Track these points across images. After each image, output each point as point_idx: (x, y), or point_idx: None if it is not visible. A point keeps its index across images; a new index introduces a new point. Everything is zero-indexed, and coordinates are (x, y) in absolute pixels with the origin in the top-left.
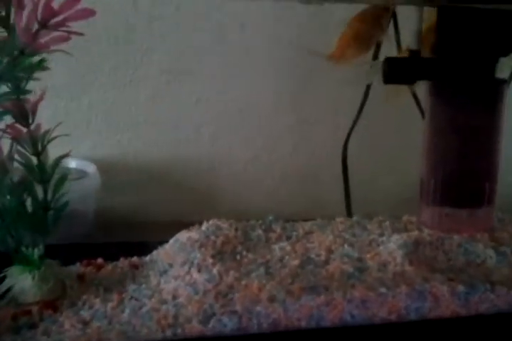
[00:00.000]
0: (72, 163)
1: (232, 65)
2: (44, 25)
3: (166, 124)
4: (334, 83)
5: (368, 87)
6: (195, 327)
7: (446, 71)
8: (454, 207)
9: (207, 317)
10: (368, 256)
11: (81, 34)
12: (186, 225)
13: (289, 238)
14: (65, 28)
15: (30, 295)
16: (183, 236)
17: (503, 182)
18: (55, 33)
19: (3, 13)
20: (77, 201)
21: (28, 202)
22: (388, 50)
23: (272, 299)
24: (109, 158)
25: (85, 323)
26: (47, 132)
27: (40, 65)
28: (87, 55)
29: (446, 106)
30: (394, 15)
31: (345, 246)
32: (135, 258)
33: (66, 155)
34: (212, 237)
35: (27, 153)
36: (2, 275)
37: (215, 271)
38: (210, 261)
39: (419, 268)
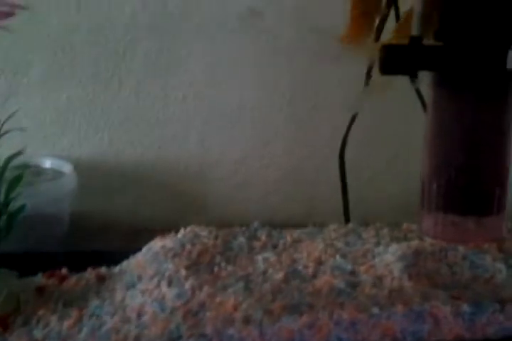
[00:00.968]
0: (46, 163)
1: (222, 59)
2: None
3: (151, 122)
4: (330, 80)
5: (369, 73)
6: None
7: (451, 60)
8: (459, 214)
9: (171, 340)
10: (362, 268)
11: (22, 8)
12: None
13: (274, 247)
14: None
15: None
16: (156, 244)
17: None
18: None
19: None
20: (51, 204)
21: None
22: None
23: (247, 320)
24: (87, 157)
25: None
26: None
27: None
28: (65, 47)
29: (452, 101)
30: None
31: (337, 256)
32: (103, 269)
33: (19, 154)
34: (188, 246)
35: None
36: None
37: (187, 285)
38: (183, 273)
39: (419, 283)
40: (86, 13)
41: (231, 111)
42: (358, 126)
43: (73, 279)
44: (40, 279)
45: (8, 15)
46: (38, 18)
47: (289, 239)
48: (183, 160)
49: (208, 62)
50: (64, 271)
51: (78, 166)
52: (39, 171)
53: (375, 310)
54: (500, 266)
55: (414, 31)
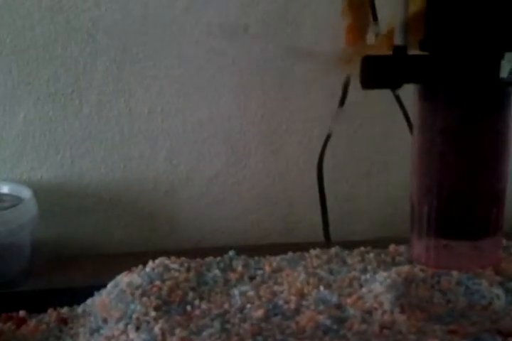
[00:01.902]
0: (4, 188)
1: (191, 70)
2: None
3: (115, 140)
4: (306, 91)
5: (344, 94)
6: None
7: (439, 71)
8: (453, 238)
9: None
10: (349, 301)
11: None
12: (139, 258)
13: (252, 278)
14: None
15: None
16: (122, 280)
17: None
18: None
19: None
20: (10, 233)
21: None
22: None
23: None
24: (48, 181)
25: None
26: None
27: None
28: (20, 62)
29: (441, 114)
30: None
31: (321, 288)
32: (65, 310)
33: None
34: (158, 282)
35: None
36: None
37: (156, 329)
38: (153, 314)
39: (412, 316)
40: (41, 29)
41: (201, 125)
42: (334, 137)
43: (32, 322)
44: None
45: None
46: None
47: (267, 268)
48: (151, 179)
49: (176, 73)
50: (22, 313)
51: (39, 189)
52: None
53: None
54: (498, 291)
55: (399, 41)
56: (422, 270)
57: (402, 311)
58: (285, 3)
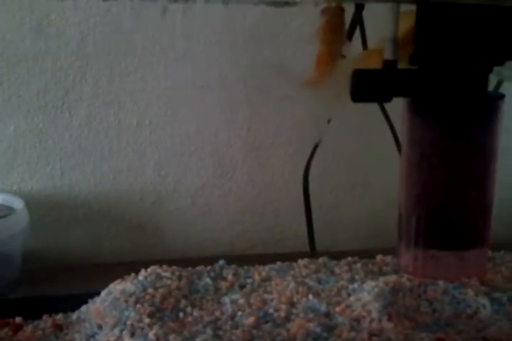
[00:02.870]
0: None
1: (179, 83)
2: None
3: (104, 152)
4: (291, 105)
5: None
6: None
7: (429, 85)
8: (440, 248)
9: None
10: (338, 309)
11: None
12: (128, 267)
13: (242, 287)
14: None
15: None
16: (116, 288)
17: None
18: None
19: None
20: (2, 243)
21: None
22: None
23: None
24: (39, 192)
25: None
26: None
27: None
28: (10, 75)
29: (430, 127)
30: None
31: (310, 296)
32: (60, 316)
33: None
34: (151, 290)
35: None
36: None
37: (151, 335)
38: (147, 321)
39: (400, 324)
40: (31, 42)
41: (188, 138)
42: (322, 150)
43: (29, 329)
44: None
45: None
46: None
47: (257, 277)
48: (139, 190)
49: (164, 86)
50: (18, 319)
51: (29, 200)
52: None
53: None
54: (483, 300)
55: (388, 55)
56: (409, 279)
57: (390, 319)
58: (271, 20)
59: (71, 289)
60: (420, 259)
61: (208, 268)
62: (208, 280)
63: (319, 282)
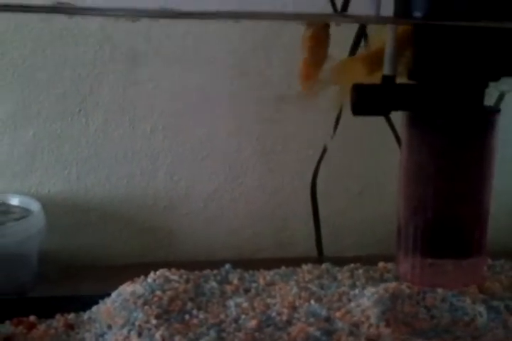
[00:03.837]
0: (14, 200)
1: (191, 91)
2: None
3: (119, 157)
4: (301, 112)
5: (339, 115)
6: None
7: (426, 100)
8: (437, 257)
9: None
10: (338, 314)
11: None
12: (138, 270)
13: (247, 291)
14: None
15: None
16: (126, 289)
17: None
18: None
19: None
20: (19, 244)
21: None
22: None
23: None
24: (55, 195)
25: None
26: None
27: None
28: (31, 83)
29: (427, 140)
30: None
31: (312, 301)
32: (72, 316)
33: None
34: (159, 292)
35: None
36: None
37: (157, 335)
38: (154, 322)
39: (397, 330)
40: (51, 51)
41: (200, 144)
42: (330, 156)
43: (42, 327)
44: (7, 328)
45: None
46: (4, 56)
47: (261, 282)
48: (152, 195)
49: (177, 94)
50: (32, 318)
51: (46, 203)
52: (7, 209)
53: None
54: (481, 308)
55: (387, 71)
56: (408, 286)
57: (388, 325)
58: (281, 30)
59: (83, 290)
60: (418, 267)
61: (215, 272)
62: (214, 283)
63: (321, 287)
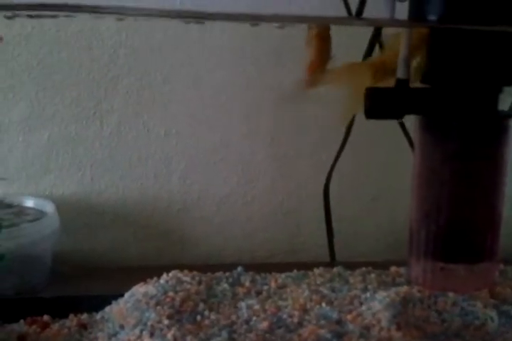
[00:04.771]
0: (29, 202)
1: (205, 94)
2: None
3: (133, 160)
4: (314, 115)
5: (351, 120)
6: None
7: (440, 103)
8: (449, 261)
9: None
10: (349, 317)
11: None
12: (151, 271)
13: (258, 293)
14: None
15: None
16: (138, 290)
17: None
18: None
19: None
20: (34, 245)
21: None
22: None
23: None
24: (70, 196)
25: None
26: None
27: None
28: (46, 86)
29: (440, 144)
30: None
31: (323, 304)
32: (85, 316)
33: None
34: (171, 293)
35: None
36: None
37: (169, 335)
38: (166, 322)
39: (408, 333)
40: (66, 54)
41: (214, 147)
42: (343, 161)
43: (55, 327)
44: (21, 326)
45: None
46: (20, 58)
47: (273, 284)
48: (165, 198)
49: (191, 98)
50: (46, 317)
51: (60, 204)
52: (21, 211)
53: None
54: (492, 313)
55: (400, 74)
56: (419, 290)
57: (399, 328)
58: (295, 35)
59: (96, 290)
60: (429, 271)
61: (227, 274)
62: (225, 285)
63: (333, 290)
